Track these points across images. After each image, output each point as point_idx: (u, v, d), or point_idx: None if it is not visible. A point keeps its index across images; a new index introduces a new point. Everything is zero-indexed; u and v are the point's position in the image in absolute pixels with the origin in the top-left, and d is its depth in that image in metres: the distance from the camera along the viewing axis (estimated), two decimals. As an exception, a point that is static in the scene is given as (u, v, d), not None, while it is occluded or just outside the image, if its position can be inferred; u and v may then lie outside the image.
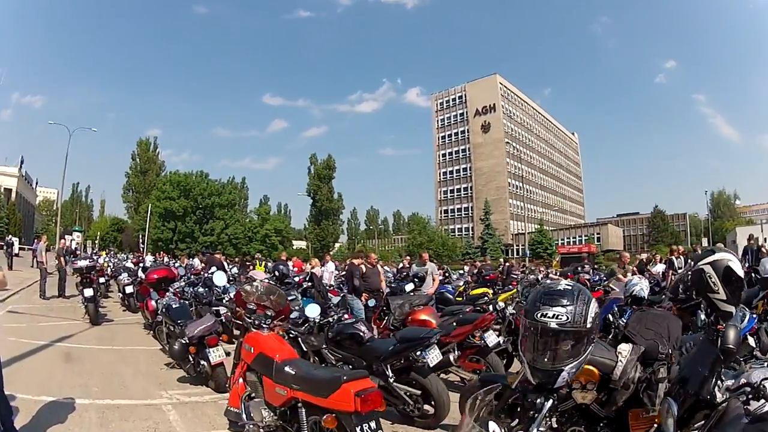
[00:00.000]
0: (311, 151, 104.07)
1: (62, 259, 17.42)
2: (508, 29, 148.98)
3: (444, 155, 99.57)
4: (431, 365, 5.79)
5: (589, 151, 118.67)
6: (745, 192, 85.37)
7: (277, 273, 11.67)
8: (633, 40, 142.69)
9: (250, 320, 4.89)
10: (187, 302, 8.91)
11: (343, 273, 15.34)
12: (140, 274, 13.47)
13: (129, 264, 20.31)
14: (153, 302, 9.55)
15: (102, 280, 17.87)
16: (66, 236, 49.57)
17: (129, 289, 14.37)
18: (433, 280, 13.58)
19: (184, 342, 6.83)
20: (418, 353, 5.75)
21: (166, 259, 33.90)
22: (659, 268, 14.44)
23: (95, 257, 23.24)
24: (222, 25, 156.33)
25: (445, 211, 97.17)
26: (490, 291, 13.58)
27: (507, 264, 21.18)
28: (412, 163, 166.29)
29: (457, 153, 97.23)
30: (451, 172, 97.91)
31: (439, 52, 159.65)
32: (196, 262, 22.88)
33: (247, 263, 22.63)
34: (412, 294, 11.27)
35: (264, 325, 4.78)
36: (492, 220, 77.00)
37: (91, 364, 8.15)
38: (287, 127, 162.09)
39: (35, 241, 24.42)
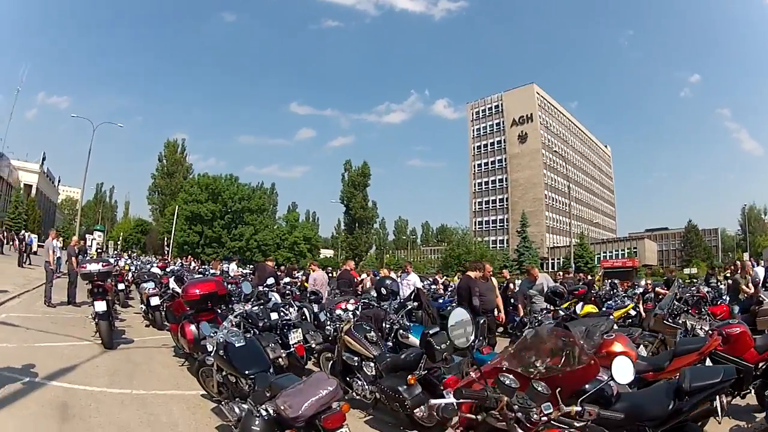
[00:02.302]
0: (338, 161, 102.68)
1: (74, 259, 14.47)
2: (534, 43, 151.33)
3: (479, 165, 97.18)
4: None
5: (615, 163, 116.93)
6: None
7: (383, 291, 8.33)
8: (658, 53, 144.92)
9: None
10: (253, 336, 5.83)
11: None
12: (172, 284, 10.41)
13: (155, 269, 16.93)
14: (193, 329, 6.57)
15: (121, 286, 15.13)
16: (87, 235, 48.22)
17: (155, 301, 11.32)
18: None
19: (268, 417, 3.77)
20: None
21: (193, 264, 31.21)
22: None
23: (115, 259, 20.21)
24: (250, 33, 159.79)
25: (480, 223, 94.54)
26: (630, 306, 12.61)
27: (590, 278, 18.87)
28: (439, 175, 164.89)
29: (493, 163, 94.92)
30: (487, 183, 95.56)
31: (465, 64, 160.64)
32: (232, 267, 20.02)
33: (294, 273, 19.59)
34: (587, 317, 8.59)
35: None
36: (528, 233, 73.50)
37: (99, 427, 5.13)
38: (314, 136, 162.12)
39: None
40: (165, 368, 7.88)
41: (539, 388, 2.99)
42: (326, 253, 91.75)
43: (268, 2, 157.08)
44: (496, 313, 9.43)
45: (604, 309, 11.27)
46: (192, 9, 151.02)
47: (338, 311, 7.17)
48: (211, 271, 19.26)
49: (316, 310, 9.90)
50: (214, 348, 5.04)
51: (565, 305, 11.20)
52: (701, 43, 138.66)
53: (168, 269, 18.27)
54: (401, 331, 7.27)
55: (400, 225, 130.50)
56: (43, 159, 72.73)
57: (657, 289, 14.93)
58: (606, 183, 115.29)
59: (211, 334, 5.15)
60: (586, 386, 3.38)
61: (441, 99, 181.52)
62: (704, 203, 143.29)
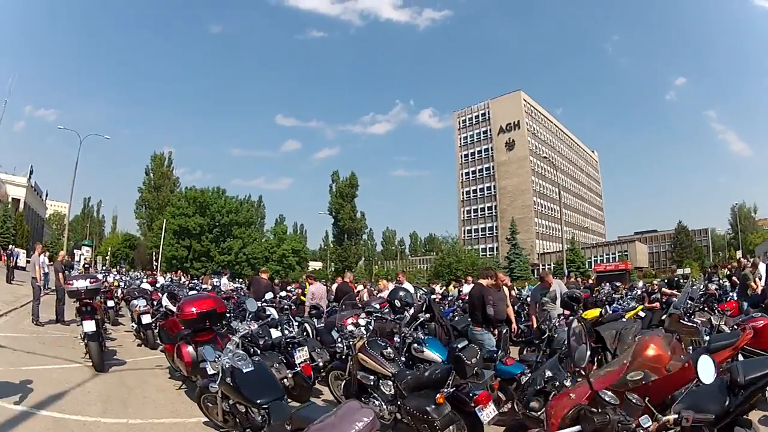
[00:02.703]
0: (324, 173, 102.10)
1: (61, 275, 13.97)
2: (518, 50, 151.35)
3: (467, 174, 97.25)
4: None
5: (603, 168, 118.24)
6: (761, 205, 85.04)
7: (398, 303, 7.81)
8: (643, 58, 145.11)
9: None
10: (261, 359, 5.32)
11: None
12: (165, 302, 9.84)
13: (145, 285, 16.09)
14: (191, 351, 6.15)
15: (111, 303, 14.67)
16: (74, 250, 47.44)
17: (146, 319, 10.82)
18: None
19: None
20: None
21: (183, 278, 30.65)
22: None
23: (104, 275, 19.65)
24: (235, 45, 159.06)
25: (469, 231, 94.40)
26: (639, 307, 12.01)
27: (591, 282, 18.70)
28: (426, 185, 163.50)
29: (481, 171, 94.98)
30: (475, 191, 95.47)
31: (450, 73, 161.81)
32: (224, 282, 19.53)
33: (288, 286, 19.12)
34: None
35: None
36: (518, 240, 73.59)
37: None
38: (300, 148, 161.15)
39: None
40: (161, 393, 7.43)
41: (633, 400, 2.89)
42: (315, 265, 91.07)
43: (253, 14, 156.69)
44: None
45: (611, 312, 10.97)
46: (177, 21, 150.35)
47: (350, 326, 6.72)
48: (203, 286, 18.78)
49: (317, 325, 9.54)
50: (219, 374, 4.59)
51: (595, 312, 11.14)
52: (686, 46, 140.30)
53: (158, 285, 17.82)
54: (415, 345, 6.81)
55: (388, 236, 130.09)
56: (31, 172, 71.29)
57: (663, 289, 14.88)
58: (594, 188, 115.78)
59: (215, 359, 4.69)
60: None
61: (426, 108, 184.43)
62: (692, 204, 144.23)
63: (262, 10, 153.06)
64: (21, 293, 18.22)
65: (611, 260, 75.66)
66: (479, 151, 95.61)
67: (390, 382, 5.67)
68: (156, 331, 10.30)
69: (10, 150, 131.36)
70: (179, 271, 40.32)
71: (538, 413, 4.53)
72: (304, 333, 8.87)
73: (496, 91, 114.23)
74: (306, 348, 7.13)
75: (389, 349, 5.98)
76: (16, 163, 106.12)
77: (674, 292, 13.47)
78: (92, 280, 9.27)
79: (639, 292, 16.78)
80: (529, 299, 13.56)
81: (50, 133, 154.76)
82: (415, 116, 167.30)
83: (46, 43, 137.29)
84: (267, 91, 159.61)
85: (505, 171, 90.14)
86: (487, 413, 4.74)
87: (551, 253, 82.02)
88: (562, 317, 8.32)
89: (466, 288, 21.81)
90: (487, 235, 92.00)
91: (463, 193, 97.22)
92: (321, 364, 7.39)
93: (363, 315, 7.18)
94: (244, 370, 4.46)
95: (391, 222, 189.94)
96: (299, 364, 6.77)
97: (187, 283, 24.82)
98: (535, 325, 9.17)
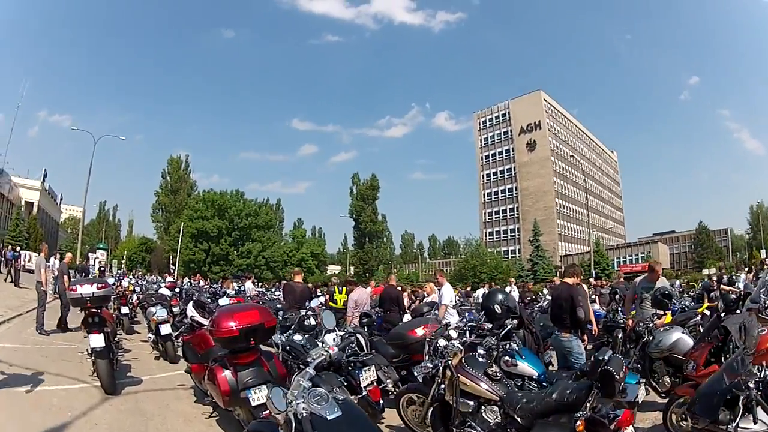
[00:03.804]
0: (341, 176, 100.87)
1: (65, 278, 12.65)
2: (532, 51, 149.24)
3: (488, 175, 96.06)
4: None
5: (621, 168, 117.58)
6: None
7: (498, 309, 6.17)
8: (657, 57, 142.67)
9: None
10: (348, 398, 3.64)
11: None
12: (191, 312, 7.93)
13: (164, 290, 14.55)
14: (228, 377, 4.62)
15: (125, 310, 13.33)
16: (89, 254, 46.46)
17: (165, 329, 9.43)
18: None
19: None
20: None
21: (202, 282, 29.38)
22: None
23: (118, 278, 18.18)
24: (249, 49, 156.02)
25: (491, 233, 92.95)
26: (705, 306, 11.66)
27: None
28: (444, 187, 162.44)
29: (502, 173, 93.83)
30: (496, 193, 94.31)
31: (465, 75, 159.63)
32: (249, 286, 18.12)
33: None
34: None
35: None
36: (540, 242, 72.21)
37: None
38: (317, 152, 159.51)
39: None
40: (187, 424, 5.88)
41: None
42: (333, 269, 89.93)
43: (266, 18, 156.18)
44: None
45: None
46: (191, 26, 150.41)
47: (441, 341, 5.21)
48: (226, 291, 17.44)
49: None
50: (290, 423, 2.97)
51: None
52: (698, 44, 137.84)
53: (177, 289, 16.44)
54: (506, 357, 5.53)
55: (407, 239, 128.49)
56: (45, 176, 70.75)
57: (722, 286, 14.27)
58: (614, 189, 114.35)
59: (287, 404, 2.94)
60: None
61: (442, 111, 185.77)
62: (709, 204, 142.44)
63: (275, 14, 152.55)
64: (29, 297, 16.76)
65: (633, 262, 74.48)
66: (500, 152, 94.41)
67: (496, 408, 4.59)
68: (178, 345, 8.86)
69: (24, 155, 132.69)
70: (198, 275, 39.09)
71: (727, 426, 3.94)
72: (355, 347, 7.37)
73: (510, 92, 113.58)
74: (373, 368, 5.67)
75: (494, 368, 4.82)
76: (30, 168, 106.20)
77: (733, 288, 13.13)
78: (100, 286, 7.59)
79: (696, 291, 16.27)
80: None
81: (65, 138, 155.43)
82: (431, 119, 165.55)
83: (60, 49, 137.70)
84: (282, 95, 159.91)
85: (526, 172, 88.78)
86: None
87: (573, 255, 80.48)
88: (656, 317, 7.48)
89: (479, 292, 20.43)
90: (509, 237, 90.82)
91: (484, 194, 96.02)
92: (391, 386, 5.93)
93: (453, 323, 5.71)
94: (329, 417, 2.86)
95: (409, 225, 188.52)
96: (365, 387, 5.35)
97: (206, 287, 23.59)
98: (630, 326, 7.74)
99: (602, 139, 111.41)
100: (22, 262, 26.28)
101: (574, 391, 4.07)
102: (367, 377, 5.48)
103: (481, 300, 17.76)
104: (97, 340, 6.98)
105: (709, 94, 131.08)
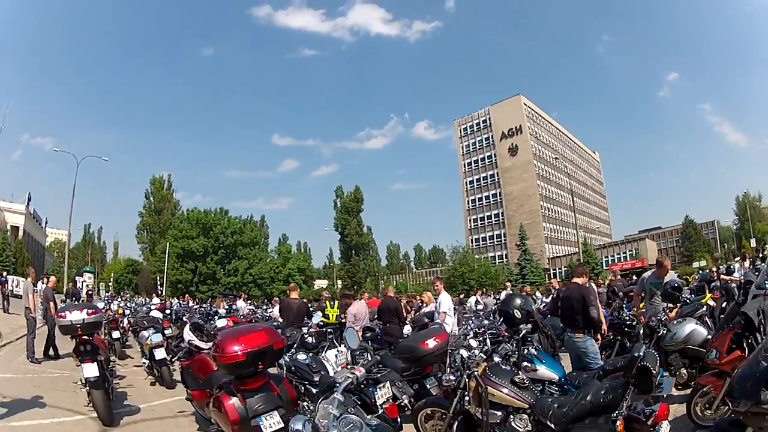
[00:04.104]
0: (323, 190, 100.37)
1: (51, 304, 12.27)
2: (509, 56, 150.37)
3: (471, 182, 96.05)
4: None
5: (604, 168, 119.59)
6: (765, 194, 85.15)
7: (518, 314, 6.30)
8: (634, 55, 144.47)
9: None
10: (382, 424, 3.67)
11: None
12: (188, 335, 7.31)
13: (155, 312, 13.55)
14: (236, 404, 4.36)
15: (116, 334, 12.94)
16: (76, 277, 45.73)
17: (160, 354, 9.17)
18: None
19: None
20: None
21: (191, 303, 29.03)
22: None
23: (107, 302, 17.69)
24: (228, 66, 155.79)
25: (476, 240, 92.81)
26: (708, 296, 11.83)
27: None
28: (426, 196, 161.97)
29: (485, 179, 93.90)
30: (480, 199, 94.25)
31: (443, 84, 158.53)
32: (242, 304, 17.90)
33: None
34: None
35: None
36: (527, 245, 72.92)
37: None
38: (298, 167, 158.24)
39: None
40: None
41: None
42: (320, 283, 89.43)
43: (244, 34, 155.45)
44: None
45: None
46: (169, 45, 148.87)
47: (462, 351, 5.09)
48: (217, 310, 17.17)
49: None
50: None
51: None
52: (675, 40, 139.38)
53: (167, 311, 16.17)
54: (525, 363, 5.39)
55: (392, 250, 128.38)
56: (29, 199, 69.82)
57: (722, 276, 14.37)
58: (598, 189, 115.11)
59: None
60: None
61: (421, 121, 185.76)
62: (694, 198, 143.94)
63: (252, 30, 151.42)
64: (19, 323, 16.24)
65: (622, 260, 74.45)
66: (482, 159, 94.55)
67: (525, 416, 4.55)
68: (175, 369, 8.60)
69: (8, 179, 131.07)
70: (187, 296, 38.68)
71: None
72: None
73: (489, 98, 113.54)
74: (387, 384, 5.48)
75: (521, 375, 4.79)
76: (13, 190, 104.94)
77: (733, 278, 12.97)
78: (90, 311, 7.07)
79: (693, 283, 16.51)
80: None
81: (48, 161, 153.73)
82: (410, 129, 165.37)
83: (40, 72, 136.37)
84: (262, 111, 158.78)
85: (509, 177, 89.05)
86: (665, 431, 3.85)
87: (561, 257, 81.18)
88: (667, 309, 7.66)
89: (472, 300, 20.32)
90: (495, 242, 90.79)
91: (468, 201, 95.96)
92: (406, 401, 5.77)
93: (470, 332, 5.60)
94: None
95: (393, 236, 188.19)
96: (381, 405, 5.15)
97: (195, 307, 23.30)
98: (644, 321, 7.84)
99: (583, 140, 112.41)
100: (10, 287, 25.78)
101: (609, 391, 4.04)
102: (382, 394, 5.28)
103: (475, 307, 17.81)
104: (91, 370, 6.67)
105: (689, 89, 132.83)
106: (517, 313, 6.39)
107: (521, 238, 72.84)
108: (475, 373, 4.80)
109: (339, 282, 77.16)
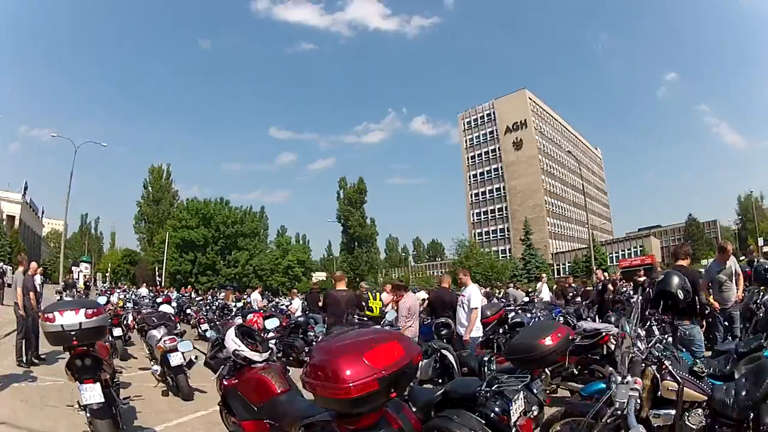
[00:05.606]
0: (320, 184, 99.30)
1: (32, 294, 10.00)
2: (507, 53, 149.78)
3: (475, 176, 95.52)
4: None
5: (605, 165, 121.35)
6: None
7: (681, 295, 5.54)
8: (633, 54, 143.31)
9: None
10: None
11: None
12: (233, 344, 4.60)
13: (165, 307, 11.39)
14: None
15: (117, 332, 11.07)
16: (73, 267, 44.44)
17: (176, 359, 7.50)
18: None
19: None
20: None
21: (193, 295, 27.63)
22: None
23: (107, 296, 15.63)
24: (226, 59, 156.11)
25: (480, 234, 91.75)
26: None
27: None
28: (424, 191, 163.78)
29: (489, 173, 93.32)
30: (484, 193, 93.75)
31: (441, 79, 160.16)
32: (255, 297, 16.43)
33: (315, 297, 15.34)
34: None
35: None
36: (531, 240, 72.32)
37: None
38: (295, 160, 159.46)
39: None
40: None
41: None
42: (319, 275, 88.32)
43: (242, 28, 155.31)
44: None
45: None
46: (168, 37, 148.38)
47: (639, 344, 4.12)
48: (226, 304, 15.78)
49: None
50: None
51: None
52: (674, 40, 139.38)
53: (173, 304, 14.62)
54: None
55: (391, 243, 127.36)
56: (25, 188, 68.78)
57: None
58: (600, 185, 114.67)
59: None
60: None
61: (419, 116, 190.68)
62: (693, 198, 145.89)
63: (250, 23, 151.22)
64: (10, 319, 13.16)
65: (626, 256, 74.09)
66: (486, 152, 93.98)
67: (700, 411, 4.01)
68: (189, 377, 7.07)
69: (6, 171, 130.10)
70: (189, 287, 37.20)
71: None
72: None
73: (487, 94, 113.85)
74: (521, 394, 3.98)
75: (699, 364, 4.27)
76: (9, 180, 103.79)
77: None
78: (90, 312, 4.85)
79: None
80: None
81: (46, 152, 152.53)
82: (408, 124, 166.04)
83: (37, 63, 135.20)
84: (260, 104, 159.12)
85: (514, 171, 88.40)
86: None
87: (565, 252, 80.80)
88: (760, 293, 7.71)
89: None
90: (499, 237, 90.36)
91: (471, 195, 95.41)
92: (537, 412, 4.37)
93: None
94: None
95: (392, 230, 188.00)
96: (515, 423, 3.72)
97: (200, 300, 21.98)
98: (717, 308, 7.78)
99: (585, 136, 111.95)
100: (7, 279, 24.33)
101: None
102: (517, 408, 3.83)
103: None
104: (93, 394, 4.78)
105: (688, 89, 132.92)
106: (680, 294, 5.64)
107: (526, 232, 72.19)
108: (669, 366, 4.10)
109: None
